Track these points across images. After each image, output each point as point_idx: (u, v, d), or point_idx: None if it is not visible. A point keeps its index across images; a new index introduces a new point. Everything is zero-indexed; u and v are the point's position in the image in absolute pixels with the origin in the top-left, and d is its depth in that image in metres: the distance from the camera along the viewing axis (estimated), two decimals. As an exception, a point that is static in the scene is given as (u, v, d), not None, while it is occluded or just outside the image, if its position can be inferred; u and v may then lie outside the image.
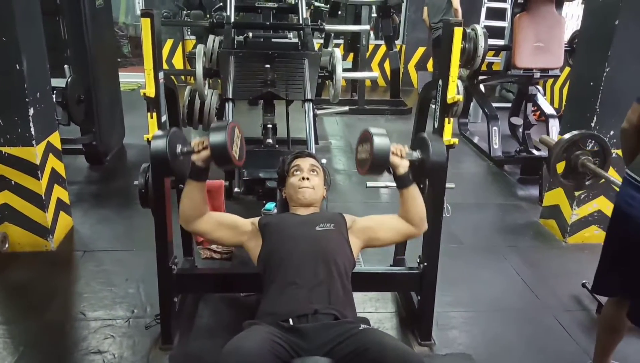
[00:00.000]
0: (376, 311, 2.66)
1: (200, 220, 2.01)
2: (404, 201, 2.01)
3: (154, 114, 2.03)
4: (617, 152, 3.23)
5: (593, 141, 2.59)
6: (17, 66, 2.77)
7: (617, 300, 2.04)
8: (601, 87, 3.11)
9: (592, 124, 3.18)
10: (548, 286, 2.97)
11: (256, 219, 2.06)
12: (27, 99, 2.84)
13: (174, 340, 2.35)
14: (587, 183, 2.53)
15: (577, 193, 3.34)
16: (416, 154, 1.98)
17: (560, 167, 2.65)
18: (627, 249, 1.90)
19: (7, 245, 2.48)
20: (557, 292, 2.90)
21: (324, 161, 2.36)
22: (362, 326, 1.72)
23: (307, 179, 2.10)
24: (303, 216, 2.05)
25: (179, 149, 1.92)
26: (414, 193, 2.00)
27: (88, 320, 2.52)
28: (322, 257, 1.87)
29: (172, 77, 2.33)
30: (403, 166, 1.95)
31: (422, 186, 2.46)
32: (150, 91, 1.99)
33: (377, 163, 1.88)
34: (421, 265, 2.38)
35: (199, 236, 2.02)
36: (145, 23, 1.95)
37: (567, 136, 2.26)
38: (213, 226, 2.04)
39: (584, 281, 2.86)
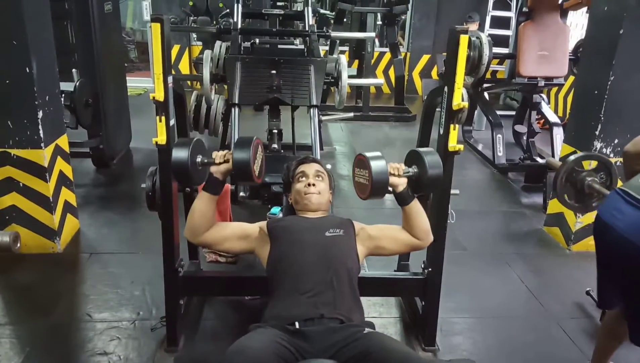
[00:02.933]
0: (380, 316, 2.67)
1: (207, 233, 2.00)
2: (407, 217, 2.02)
3: (163, 118, 2.05)
4: (621, 161, 3.25)
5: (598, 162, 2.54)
6: (27, 69, 2.80)
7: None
8: (605, 96, 3.12)
9: (597, 133, 3.19)
10: (552, 293, 2.98)
11: (264, 224, 2.07)
12: (36, 102, 2.87)
13: (179, 342, 2.36)
14: (594, 204, 2.50)
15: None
16: (412, 170, 1.99)
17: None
18: (612, 259, 1.93)
19: (18, 245, 2.50)
20: (561, 300, 2.91)
21: (328, 166, 2.38)
22: (367, 330, 1.73)
23: (313, 185, 2.11)
24: (312, 220, 2.05)
25: (199, 159, 1.93)
26: (416, 209, 2.01)
27: (94, 321, 2.54)
28: (330, 264, 1.87)
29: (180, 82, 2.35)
30: (402, 184, 1.97)
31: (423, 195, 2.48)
32: (159, 95, 2.01)
33: (378, 188, 1.88)
34: (425, 271, 2.39)
35: (205, 247, 2.03)
36: (155, 28, 1.97)
37: (571, 158, 2.25)
38: (221, 238, 2.04)
39: (588, 289, 2.87)
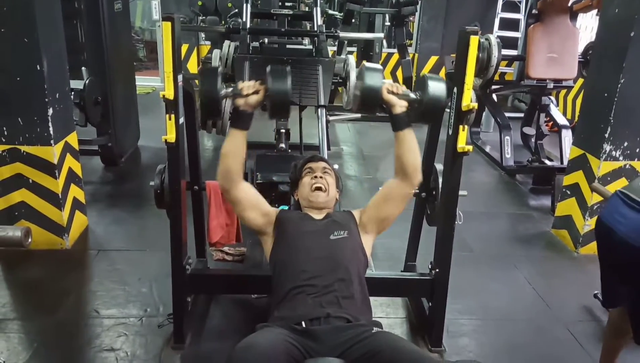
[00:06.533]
0: (387, 316, 2.67)
1: (239, 184, 1.96)
2: (398, 145, 1.96)
3: (172, 116, 2.06)
4: (630, 163, 3.23)
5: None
6: (37, 66, 2.82)
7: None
8: (615, 99, 3.11)
9: (606, 135, 3.17)
10: (559, 296, 2.96)
11: (275, 211, 2.08)
12: (46, 100, 2.89)
13: (185, 339, 2.37)
14: None
15: (589, 204, 3.33)
16: (414, 95, 1.91)
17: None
18: (616, 261, 1.93)
19: (30, 240, 2.51)
20: (568, 302, 2.89)
21: (336, 166, 2.38)
22: (375, 329, 1.73)
23: (320, 177, 2.11)
24: (317, 222, 2.05)
25: (223, 91, 1.85)
26: (409, 137, 1.95)
27: (101, 318, 2.55)
28: (335, 268, 1.87)
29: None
30: (399, 105, 1.90)
31: (434, 192, 2.48)
32: (169, 94, 2.02)
33: (368, 100, 1.80)
34: (433, 272, 2.38)
35: (230, 202, 1.97)
36: (166, 27, 1.98)
37: (624, 189, 2.25)
38: (250, 201, 2.00)
39: (595, 291, 2.85)
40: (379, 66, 1.86)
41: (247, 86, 1.86)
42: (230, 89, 1.87)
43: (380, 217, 2.06)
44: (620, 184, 3.17)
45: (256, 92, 1.85)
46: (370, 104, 1.84)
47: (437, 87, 1.87)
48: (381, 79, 1.85)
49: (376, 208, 2.07)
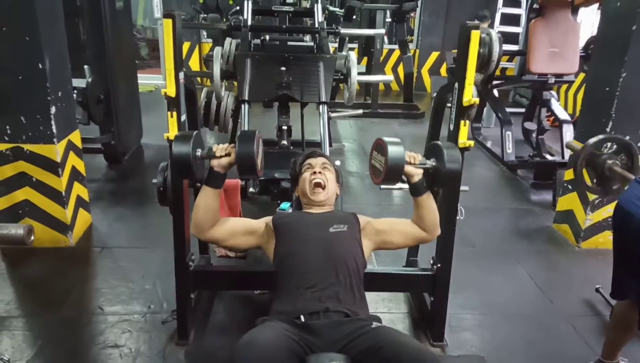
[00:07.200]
0: (389, 311, 2.68)
1: (213, 229, 2.00)
2: (418, 208, 2.02)
3: (174, 114, 2.07)
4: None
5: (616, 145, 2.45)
6: (39, 65, 2.83)
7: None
8: (617, 93, 3.11)
9: (608, 129, 3.17)
10: (561, 291, 2.97)
11: (269, 219, 2.08)
12: (49, 98, 2.90)
13: (189, 336, 2.38)
14: (614, 187, 2.47)
15: (591, 198, 3.33)
16: (430, 163, 1.97)
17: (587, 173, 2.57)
18: (632, 249, 1.93)
19: (32, 238, 2.53)
20: (570, 297, 2.90)
21: (338, 163, 2.39)
22: (375, 324, 1.74)
23: (320, 172, 2.13)
24: (317, 215, 2.06)
25: (198, 152, 1.92)
26: (428, 201, 2.00)
27: (105, 314, 2.57)
28: (334, 260, 1.88)
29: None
30: (417, 174, 1.96)
31: (435, 189, 2.48)
32: (171, 91, 2.03)
33: (392, 174, 1.87)
34: (434, 267, 2.39)
35: (212, 243, 2.04)
36: (167, 24, 1.99)
37: (592, 140, 2.23)
38: (227, 234, 2.04)
39: (597, 286, 2.86)
40: (398, 140, 1.90)
41: (220, 148, 1.92)
42: (205, 151, 1.94)
43: (387, 239, 2.08)
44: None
45: (228, 154, 1.90)
46: (394, 179, 1.91)
47: (453, 156, 1.92)
48: (404, 154, 1.89)
49: (386, 232, 2.08)
